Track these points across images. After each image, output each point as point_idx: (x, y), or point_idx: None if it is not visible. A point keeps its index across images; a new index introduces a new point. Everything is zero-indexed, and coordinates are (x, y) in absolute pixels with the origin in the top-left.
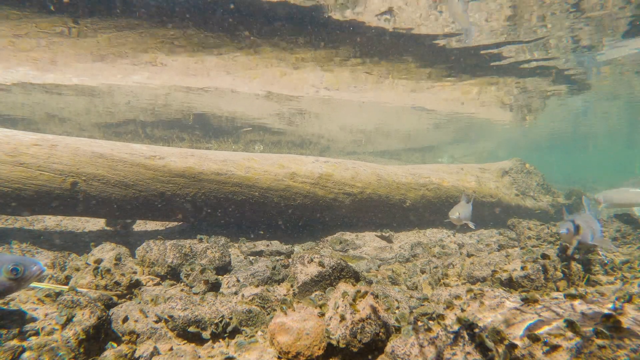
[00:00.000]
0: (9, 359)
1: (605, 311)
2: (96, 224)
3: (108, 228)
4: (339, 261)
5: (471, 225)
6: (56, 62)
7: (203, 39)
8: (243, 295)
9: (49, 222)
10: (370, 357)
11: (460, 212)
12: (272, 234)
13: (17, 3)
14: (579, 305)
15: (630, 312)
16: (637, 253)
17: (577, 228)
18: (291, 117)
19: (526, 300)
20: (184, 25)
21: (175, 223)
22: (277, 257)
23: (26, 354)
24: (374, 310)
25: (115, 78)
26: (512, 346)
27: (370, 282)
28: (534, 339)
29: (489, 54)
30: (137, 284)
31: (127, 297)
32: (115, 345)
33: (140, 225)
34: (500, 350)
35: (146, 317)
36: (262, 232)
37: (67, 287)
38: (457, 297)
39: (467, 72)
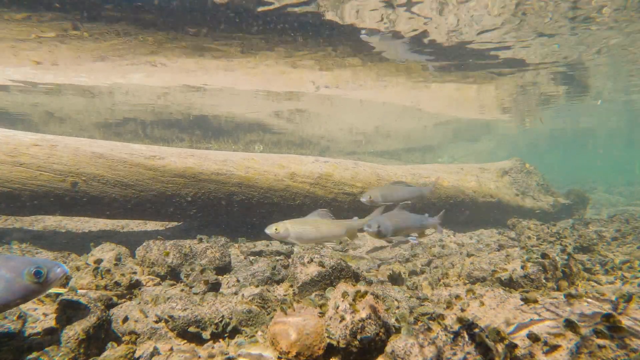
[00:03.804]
0: (9, 359)
1: (605, 311)
2: (96, 224)
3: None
4: (339, 261)
5: (398, 240)
6: (57, 64)
7: (201, 41)
8: (243, 295)
9: (49, 222)
10: (370, 357)
11: (382, 222)
12: None
13: (19, 7)
14: (579, 305)
15: (630, 312)
16: (637, 253)
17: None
18: (291, 117)
19: (526, 300)
20: (182, 27)
21: (175, 223)
22: (277, 257)
23: (26, 354)
24: (374, 310)
25: (115, 78)
26: (512, 346)
27: (370, 282)
28: (534, 339)
29: (490, 49)
30: (137, 284)
31: (127, 297)
32: (115, 345)
33: (140, 225)
34: (500, 350)
35: (146, 317)
36: (261, 233)
37: (65, 289)
38: (457, 297)
39: (467, 69)
